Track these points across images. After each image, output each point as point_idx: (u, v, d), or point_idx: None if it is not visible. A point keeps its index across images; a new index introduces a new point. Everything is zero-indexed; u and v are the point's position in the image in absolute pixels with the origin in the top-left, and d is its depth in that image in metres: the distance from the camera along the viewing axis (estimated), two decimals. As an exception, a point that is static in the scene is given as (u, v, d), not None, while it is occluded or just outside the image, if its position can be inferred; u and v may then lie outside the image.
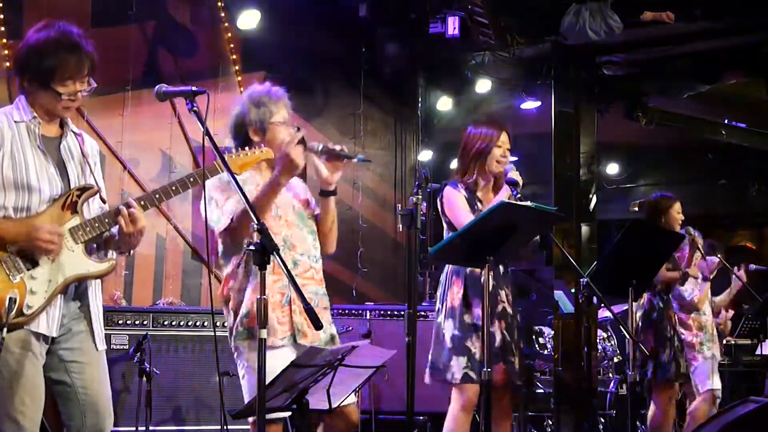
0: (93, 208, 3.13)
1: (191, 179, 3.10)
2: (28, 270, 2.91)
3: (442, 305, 4.36)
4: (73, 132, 3.16)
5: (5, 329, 2.83)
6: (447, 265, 4.43)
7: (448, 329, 4.28)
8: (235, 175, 2.94)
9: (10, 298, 2.85)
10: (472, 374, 4.17)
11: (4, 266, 2.89)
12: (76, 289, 3.06)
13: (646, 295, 5.65)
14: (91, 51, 3.03)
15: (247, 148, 3.31)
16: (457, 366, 4.20)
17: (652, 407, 5.64)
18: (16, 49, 3.09)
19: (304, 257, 3.54)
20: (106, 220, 3.02)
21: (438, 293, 4.45)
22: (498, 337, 4.28)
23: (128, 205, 3.01)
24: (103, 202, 3.15)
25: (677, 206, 5.80)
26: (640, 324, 5.61)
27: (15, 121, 3.01)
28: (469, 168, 4.40)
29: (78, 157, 3.11)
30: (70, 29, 3.04)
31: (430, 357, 4.36)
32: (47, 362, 3.00)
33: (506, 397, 4.36)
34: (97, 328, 3.10)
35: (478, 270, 4.23)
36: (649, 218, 5.79)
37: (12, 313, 2.84)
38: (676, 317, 5.83)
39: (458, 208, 4.30)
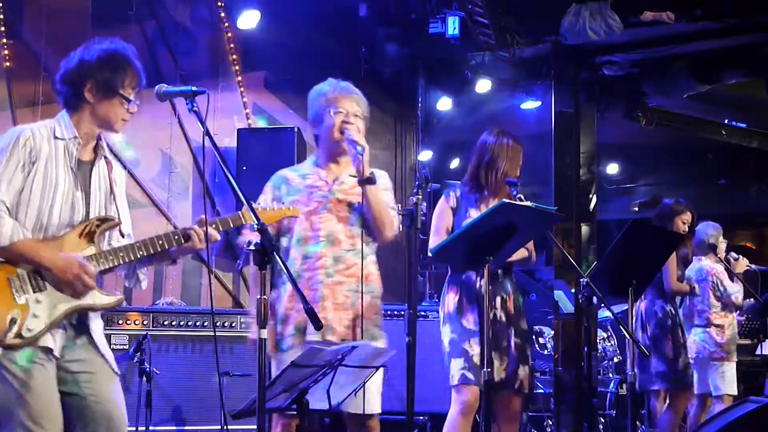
0: (112, 238, 3.10)
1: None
2: (34, 293, 2.87)
3: (441, 311, 4.39)
4: (105, 158, 3.13)
5: (1, 348, 2.80)
6: (448, 273, 4.44)
7: (446, 334, 4.30)
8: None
9: (11, 319, 2.81)
10: (470, 375, 4.15)
11: (12, 285, 2.85)
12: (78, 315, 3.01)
13: (658, 302, 5.64)
14: (141, 71, 3.08)
15: (274, 203, 3.38)
16: (455, 368, 4.20)
17: (667, 413, 5.61)
18: (67, 64, 3.03)
19: (350, 254, 3.66)
20: (160, 242, 3.01)
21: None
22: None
23: (201, 224, 3.04)
24: (122, 236, 3.11)
25: (685, 216, 5.75)
26: (657, 332, 5.59)
27: (56, 137, 2.98)
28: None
29: (105, 186, 3.08)
30: (126, 47, 3.07)
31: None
32: (57, 378, 2.94)
33: (514, 402, 4.34)
34: (104, 350, 3.05)
35: (473, 276, 4.23)
36: (656, 221, 5.79)
37: (10, 334, 2.80)
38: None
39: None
